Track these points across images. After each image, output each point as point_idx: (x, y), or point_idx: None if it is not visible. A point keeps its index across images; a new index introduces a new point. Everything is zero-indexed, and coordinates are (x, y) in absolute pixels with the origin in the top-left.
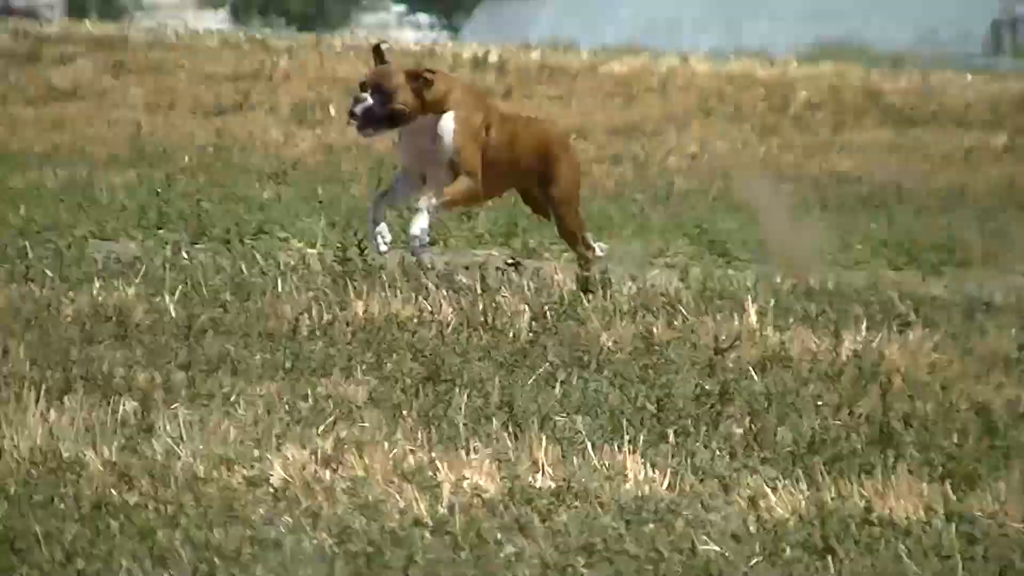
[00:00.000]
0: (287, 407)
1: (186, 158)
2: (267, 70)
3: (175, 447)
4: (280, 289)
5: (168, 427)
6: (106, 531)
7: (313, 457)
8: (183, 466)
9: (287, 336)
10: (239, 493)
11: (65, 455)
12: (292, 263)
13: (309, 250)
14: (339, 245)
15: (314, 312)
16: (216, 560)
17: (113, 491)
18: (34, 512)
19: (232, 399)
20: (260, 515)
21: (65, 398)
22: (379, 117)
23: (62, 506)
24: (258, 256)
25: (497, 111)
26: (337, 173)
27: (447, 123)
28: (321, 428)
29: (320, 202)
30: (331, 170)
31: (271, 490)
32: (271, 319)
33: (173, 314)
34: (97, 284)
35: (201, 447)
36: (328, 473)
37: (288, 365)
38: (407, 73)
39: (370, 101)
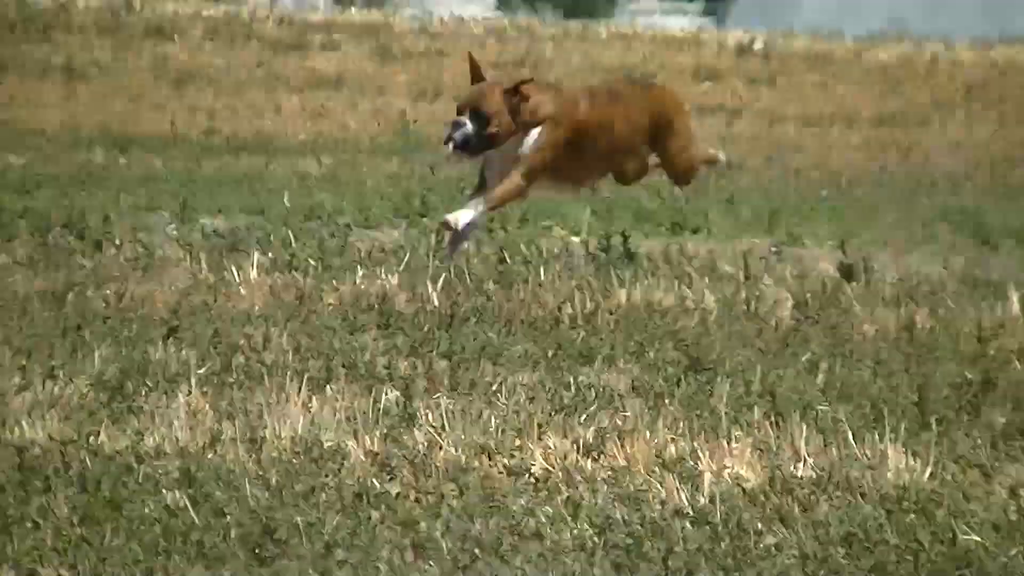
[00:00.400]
0: (549, 396)
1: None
2: (531, 57)
3: (436, 436)
4: (542, 278)
5: (430, 416)
6: (367, 521)
7: (575, 446)
8: (444, 456)
9: (549, 325)
10: (500, 483)
11: (327, 444)
12: (555, 251)
13: (572, 238)
14: (602, 233)
15: (576, 301)
16: (476, 551)
17: (374, 481)
18: (295, 501)
19: (494, 388)
20: (521, 505)
21: (327, 387)
22: (476, 142)
23: (323, 496)
24: (521, 244)
25: (591, 105)
26: None
27: (529, 140)
28: (583, 417)
29: None
30: None
31: (532, 480)
32: (533, 308)
33: (436, 303)
34: (360, 273)
35: (462, 436)
36: (589, 463)
37: (550, 354)
38: (504, 91)
39: (469, 127)
